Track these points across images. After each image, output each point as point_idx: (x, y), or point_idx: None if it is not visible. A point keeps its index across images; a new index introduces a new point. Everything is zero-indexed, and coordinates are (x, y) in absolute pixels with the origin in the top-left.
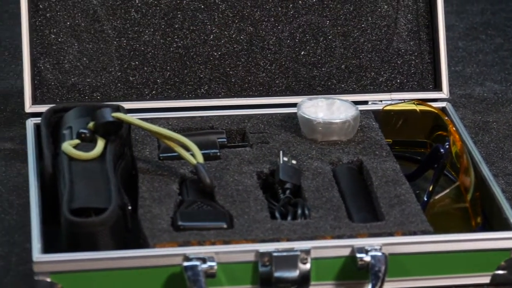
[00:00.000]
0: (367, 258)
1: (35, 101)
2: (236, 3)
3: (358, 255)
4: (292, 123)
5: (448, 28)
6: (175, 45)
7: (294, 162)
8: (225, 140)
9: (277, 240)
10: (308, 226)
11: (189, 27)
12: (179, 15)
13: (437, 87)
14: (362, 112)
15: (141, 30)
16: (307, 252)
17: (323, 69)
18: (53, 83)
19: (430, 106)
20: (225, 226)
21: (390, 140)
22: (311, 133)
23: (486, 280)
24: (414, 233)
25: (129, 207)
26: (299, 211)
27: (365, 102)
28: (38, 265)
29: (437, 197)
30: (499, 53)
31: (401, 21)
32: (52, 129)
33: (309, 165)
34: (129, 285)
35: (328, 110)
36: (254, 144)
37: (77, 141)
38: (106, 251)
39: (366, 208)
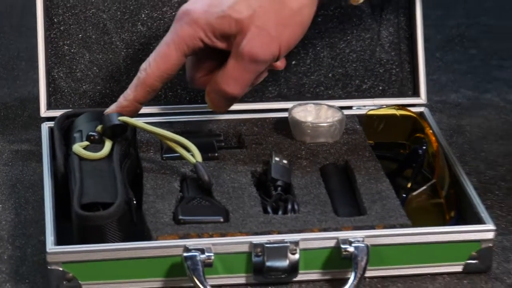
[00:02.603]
0: (350, 249)
1: (50, 106)
2: None
3: (343, 246)
4: (283, 127)
5: (426, 40)
6: None
7: (285, 161)
8: (222, 142)
9: (269, 232)
10: (297, 220)
11: None
12: None
13: (416, 94)
14: (347, 116)
15: (146, 42)
16: (296, 243)
17: (311, 77)
18: (66, 90)
19: (409, 111)
20: (221, 220)
21: (372, 141)
22: (301, 135)
23: (459, 268)
24: (394, 226)
25: (134, 202)
26: (289, 206)
27: (350, 107)
28: (51, 256)
29: (414, 193)
30: (472, 63)
31: (383, 33)
32: (64, 132)
33: (298, 164)
34: (134, 274)
35: (316, 114)
36: (248, 146)
37: (86, 143)
38: (113, 243)
39: (350, 203)
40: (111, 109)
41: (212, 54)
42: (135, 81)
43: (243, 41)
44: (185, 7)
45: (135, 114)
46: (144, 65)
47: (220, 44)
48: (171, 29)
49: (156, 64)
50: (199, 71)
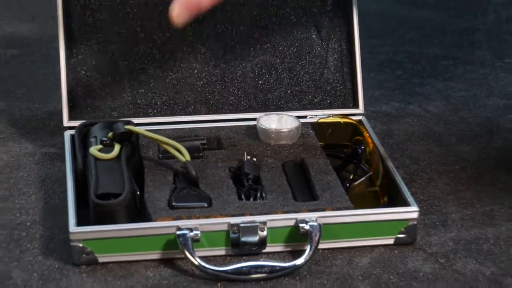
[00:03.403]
0: (306, 227)
1: (71, 118)
2: (213, 47)
3: (301, 225)
4: (253, 132)
5: (363, 63)
6: (169, 77)
7: (254, 159)
8: (205, 144)
9: (243, 215)
10: (265, 205)
11: (180, 64)
12: (173, 55)
13: (355, 106)
14: (303, 123)
15: (145, 67)
16: (264, 223)
17: (274, 93)
18: (83, 106)
19: (351, 119)
20: (206, 205)
21: (322, 143)
22: (266, 139)
23: (391, 241)
24: (340, 209)
25: (138, 193)
26: (258, 194)
27: (304, 117)
28: (73, 235)
29: (355, 183)
30: (399, 81)
31: (330, 59)
32: (82, 138)
33: (265, 161)
34: (138, 248)
35: (278, 122)
36: (226, 147)
37: (100, 146)
38: (122, 224)
39: (306, 191)
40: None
41: None
42: None
43: None
44: None
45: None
46: None
47: None
48: None
49: None
50: None
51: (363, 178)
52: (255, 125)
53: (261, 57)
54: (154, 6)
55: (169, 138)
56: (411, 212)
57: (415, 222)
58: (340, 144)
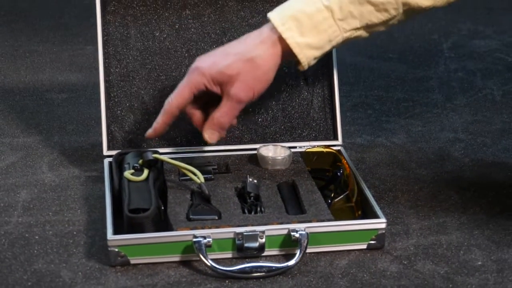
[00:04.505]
0: (297, 235)
1: (109, 148)
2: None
3: (292, 233)
4: (254, 159)
5: (341, 104)
6: (187, 118)
7: (255, 181)
8: (216, 169)
9: (246, 225)
10: (263, 217)
11: None
12: None
13: (335, 138)
14: (293, 152)
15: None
16: (263, 232)
17: (271, 128)
18: (119, 138)
19: (331, 149)
20: (216, 218)
21: (309, 168)
22: (265, 164)
23: (364, 246)
24: (323, 221)
25: (162, 208)
26: (258, 209)
27: (295, 147)
28: (111, 241)
29: (336, 200)
30: (369, 119)
31: (315, 101)
32: (118, 164)
33: (264, 183)
34: (162, 252)
35: (274, 151)
36: (232, 171)
37: (132, 171)
38: (149, 233)
39: (296, 206)
40: (149, 132)
41: (207, 95)
42: (162, 110)
43: (232, 89)
44: (196, 64)
45: (163, 133)
46: (167, 100)
47: (216, 89)
48: (186, 77)
49: (175, 98)
50: (195, 106)
51: (341, 196)
52: (256, 153)
53: (260, 99)
54: (176, 59)
55: (187, 164)
56: (380, 223)
57: (383, 231)
58: (323, 169)
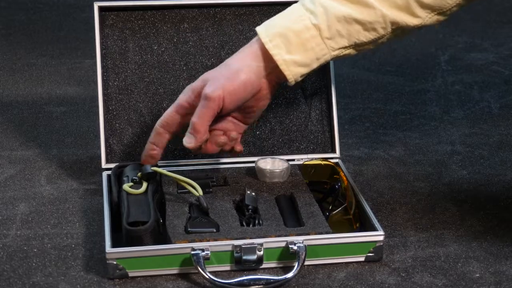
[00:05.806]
0: (295, 248)
1: (107, 161)
2: None
3: (290, 246)
4: (252, 172)
5: (339, 117)
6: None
7: (253, 194)
8: (214, 182)
9: (244, 238)
10: (261, 230)
11: None
12: None
13: (333, 151)
14: (291, 165)
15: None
16: (261, 244)
17: (269, 141)
18: (117, 151)
19: (329, 161)
20: (214, 230)
21: (307, 181)
22: (263, 177)
23: (362, 259)
24: (321, 233)
25: (161, 220)
26: (256, 222)
27: (293, 160)
28: (109, 254)
29: (334, 212)
30: (367, 132)
31: (312, 114)
32: (117, 177)
33: (262, 195)
34: (161, 264)
35: (272, 164)
36: (231, 184)
37: (131, 184)
38: (148, 245)
39: (294, 219)
40: (142, 156)
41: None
42: (153, 132)
43: (203, 89)
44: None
45: (156, 154)
46: (158, 122)
47: (198, 101)
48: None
49: (161, 117)
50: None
51: (339, 209)
52: (254, 166)
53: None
54: (174, 73)
55: (186, 177)
56: (378, 235)
57: (381, 244)
58: (321, 182)
